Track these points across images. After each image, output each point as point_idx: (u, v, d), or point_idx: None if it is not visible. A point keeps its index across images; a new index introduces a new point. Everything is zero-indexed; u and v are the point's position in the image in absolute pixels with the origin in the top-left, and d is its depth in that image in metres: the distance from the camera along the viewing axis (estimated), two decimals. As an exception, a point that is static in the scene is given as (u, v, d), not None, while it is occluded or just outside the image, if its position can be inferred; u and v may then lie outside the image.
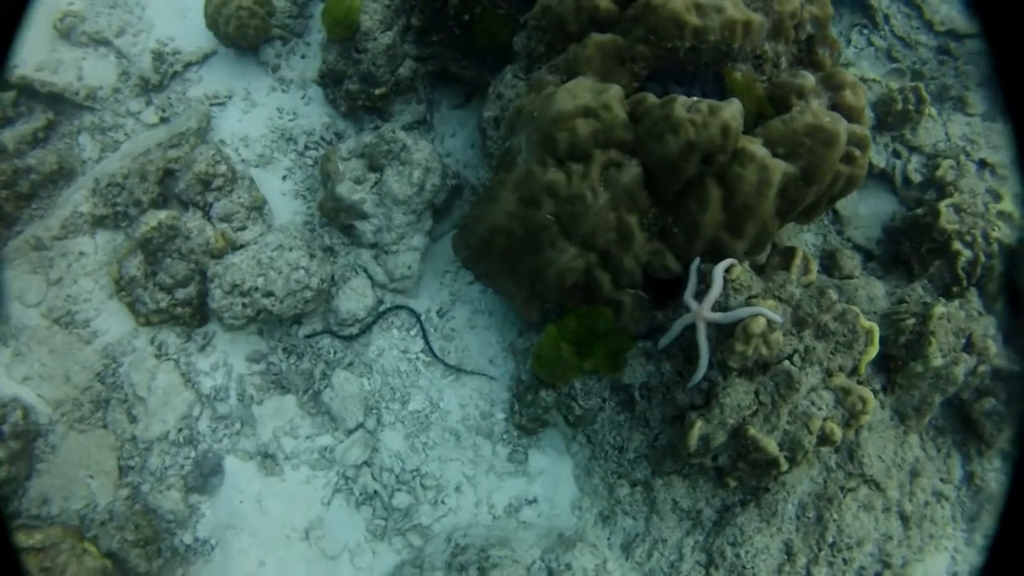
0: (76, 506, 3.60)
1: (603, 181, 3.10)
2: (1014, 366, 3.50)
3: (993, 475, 3.71)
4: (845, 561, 3.41)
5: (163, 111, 4.21)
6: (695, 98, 3.00)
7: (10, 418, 3.60)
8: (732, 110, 2.91)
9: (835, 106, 3.18)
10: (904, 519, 3.53)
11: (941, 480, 3.66)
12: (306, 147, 4.13)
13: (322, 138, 4.14)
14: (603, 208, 3.08)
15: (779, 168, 2.97)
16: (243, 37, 4.14)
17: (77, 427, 3.70)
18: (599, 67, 3.23)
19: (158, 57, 4.25)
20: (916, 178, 4.07)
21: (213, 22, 4.13)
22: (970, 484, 3.72)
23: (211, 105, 4.20)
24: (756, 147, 2.96)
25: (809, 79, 3.15)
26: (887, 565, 3.48)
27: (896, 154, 4.16)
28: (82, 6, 4.30)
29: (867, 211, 4.16)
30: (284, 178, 4.09)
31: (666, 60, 3.15)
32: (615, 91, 3.09)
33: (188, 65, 4.28)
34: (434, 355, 3.79)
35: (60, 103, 4.21)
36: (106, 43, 4.29)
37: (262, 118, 4.19)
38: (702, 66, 3.17)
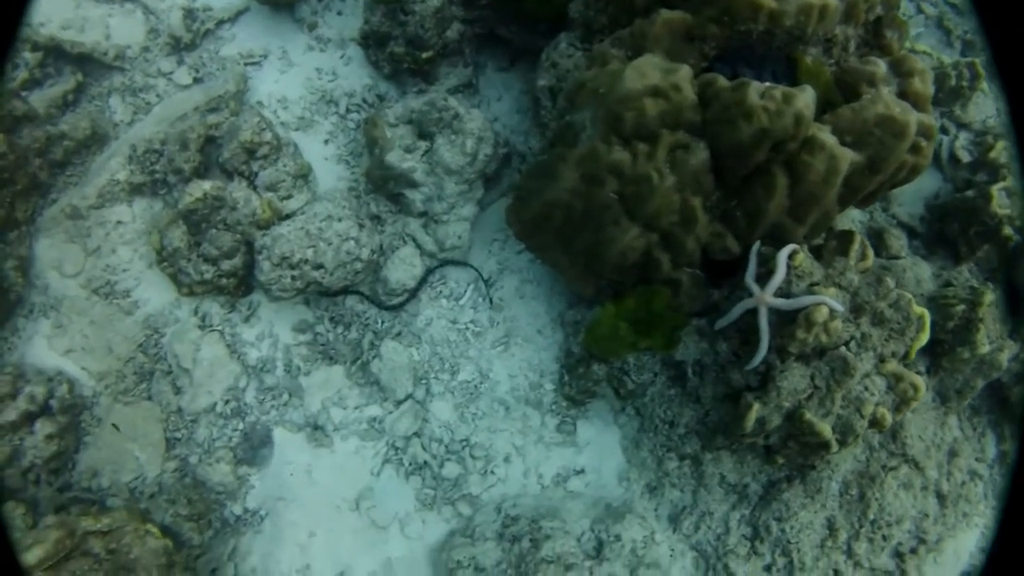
0: (126, 479, 3.73)
1: (669, 163, 3.17)
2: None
3: (1025, 453, 3.94)
4: (884, 538, 3.64)
5: (196, 71, 4.19)
6: (768, 83, 3.05)
7: (57, 392, 3.70)
8: (806, 99, 2.97)
9: (903, 93, 3.25)
10: (941, 497, 3.76)
11: (976, 459, 3.88)
12: (348, 109, 4.14)
13: (364, 100, 4.15)
14: (669, 190, 3.15)
15: (847, 157, 3.05)
16: (280, -6, 4.10)
17: (122, 399, 3.80)
18: (667, 45, 3.26)
19: (188, 14, 4.21)
20: (964, 156, 4.17)
21: (247, -22, 4.08)
22: (1002, 463, 3.94)
23: (246, 64, 4.18)
24: (826, 136, 3.03)
25: (881, 67, 3.21)
26: (922, 541, 3.72)
27: (944, 130, 4.24)
28: (105, -44, 4.21)
29: (911, 187, 4.24)
30: (326, 142, 4.11)
31: (737, 41, 3.19)
32: (685, 71, 3.12)
33: (220, 23, 4.24)
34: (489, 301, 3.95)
35: (88, 63, 4.17)
36: (133, -2, 4.22)
37: (300, 78, 4.19)
38: (773, 49, 3.21)
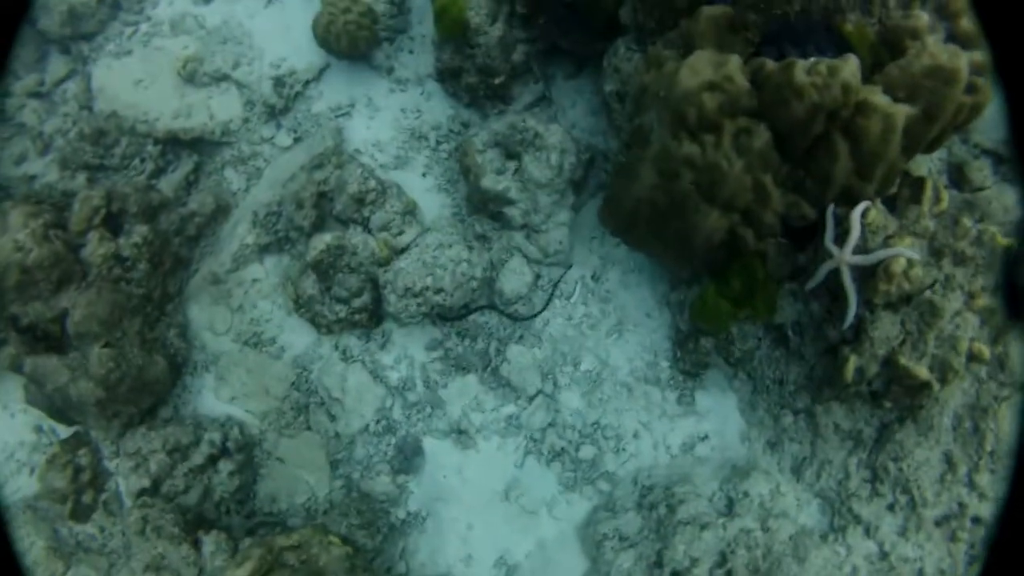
0: (300, 500, 4.70)
1: (736, 148, 3.83)
2: None
3: None
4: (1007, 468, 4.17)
5: (294, 131, 5.13)
6: (813, 59, 3.67)
7: (230, 435, 4.71)
8: (851, 68, 3.56)
9: (952, 36, 3.78)
10: (1061, 419, 4.26)
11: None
12: (437, 141, 5.00)
13: (450, 130, 4.99)
14: (739, 173, 3.81)
15: (901, 113, 3.61)
16: (356, 49, 4.97)
17: (285, 433, 4.78)
18: (714, 38, 3.92)
19: (277, 81, 5.14)
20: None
21: (324, 40, 4.96)
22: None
23: (337, 117, 5.08)
24: (877, 97, 3.61)
25: (922, 18, 3.73)
26: (1050, 466, 4.23)
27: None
28: (196, 48, 5.21)
29: (991, 110, 4.70)
30: (423, 175, 4.98)
31: (778, 23, 3.82)
32: (734, 62, 3.76)
33: (307, 83, 5.16)
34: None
35: (200, 144, 5.19)
36: (226, 78, 5.20)
37: (388, 121, 5.06)
38: (813, 23, 3.82)
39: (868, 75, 3.77)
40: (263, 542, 4.24)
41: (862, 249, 3.77)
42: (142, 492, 4.64)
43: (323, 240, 4.52)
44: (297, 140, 5.13)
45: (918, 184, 3.97)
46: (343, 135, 5.03)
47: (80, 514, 4.84)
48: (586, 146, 4.77)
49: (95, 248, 4.65)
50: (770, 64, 3.76)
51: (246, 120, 5.21)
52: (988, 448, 4.19)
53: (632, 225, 4.18)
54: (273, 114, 5.19)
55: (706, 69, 3.80)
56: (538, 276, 4.76)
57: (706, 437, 4.54)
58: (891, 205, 3.96)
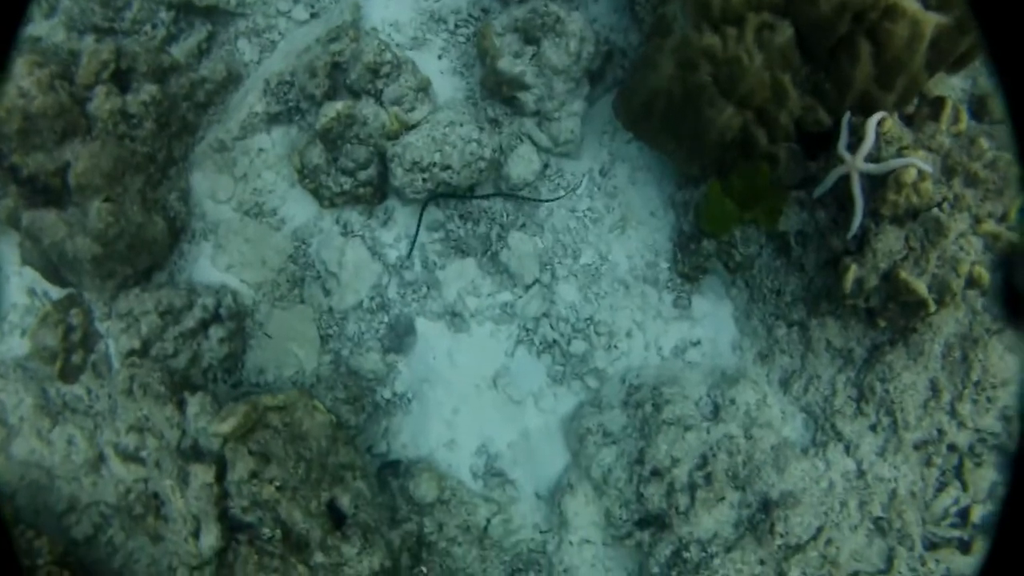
0: (288, 373, 4.81)
1: (757, 43, 3.86)
2: None
3: None
4: (989, 400, 4.21)
5: (312, 7, 5.13)
6: (846, -43, 3.69)
7: (224, 302, 4.78)
8: (884, -32, 3.60)
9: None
10: (1052, 360, 4.34)
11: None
12: (456, 25, 4.99)
13: (470, 15, 4.99)
14: (759, 69, 3.86)
15: (931, 21, 3.65)
16: (378, -74, 4.96)
17: (278, 305, 4.86)
18: (745, -69, 3.93)
19: (297, -45, 5.13)
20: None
21: (345, -83, 4.95)
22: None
23: (357, -6, 5.08)
24: (908, 2, 3.65)
25: (963, -75, 3.76)
26: (1034, 406, 4.30)
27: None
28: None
29: None
30: (440, 57, 4.98)
31: (813, -81, 3.83)
32: (766, -45, 3.80)
33: (328, -41, 5.14)
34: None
35: (215, 14, 5.18)
36: (244, -50, 5.18)
37: (407, 2, 5.05)
38: (851, -79, 3.83)
39: (901, -19, 3.79)
40: (248, 400, 4.31)
41: (874, 158, 3.83)
42: (131, 353, 4.71)
43: (334, 108, 4.55)
44: (314, 15, 5.13)
45: (938, 103, 4.01)
46: (361, 12, 5.02)
47: (69, 374, 4.92)
48: (605, 39, 4.78)
49: (101, 102, 4.66)
50: (802, -40, 3.78)
51: (263, -7, 5.20)
52: (973, 378, 4.26)
53: (646, 117, 4.23)
54: (291, -13, 5.18)
55: (736, -40, 3.83)
56: (546, 165, 4.80)
57: (698, 342, 4.63)
58: (908, 123, 4.00)
